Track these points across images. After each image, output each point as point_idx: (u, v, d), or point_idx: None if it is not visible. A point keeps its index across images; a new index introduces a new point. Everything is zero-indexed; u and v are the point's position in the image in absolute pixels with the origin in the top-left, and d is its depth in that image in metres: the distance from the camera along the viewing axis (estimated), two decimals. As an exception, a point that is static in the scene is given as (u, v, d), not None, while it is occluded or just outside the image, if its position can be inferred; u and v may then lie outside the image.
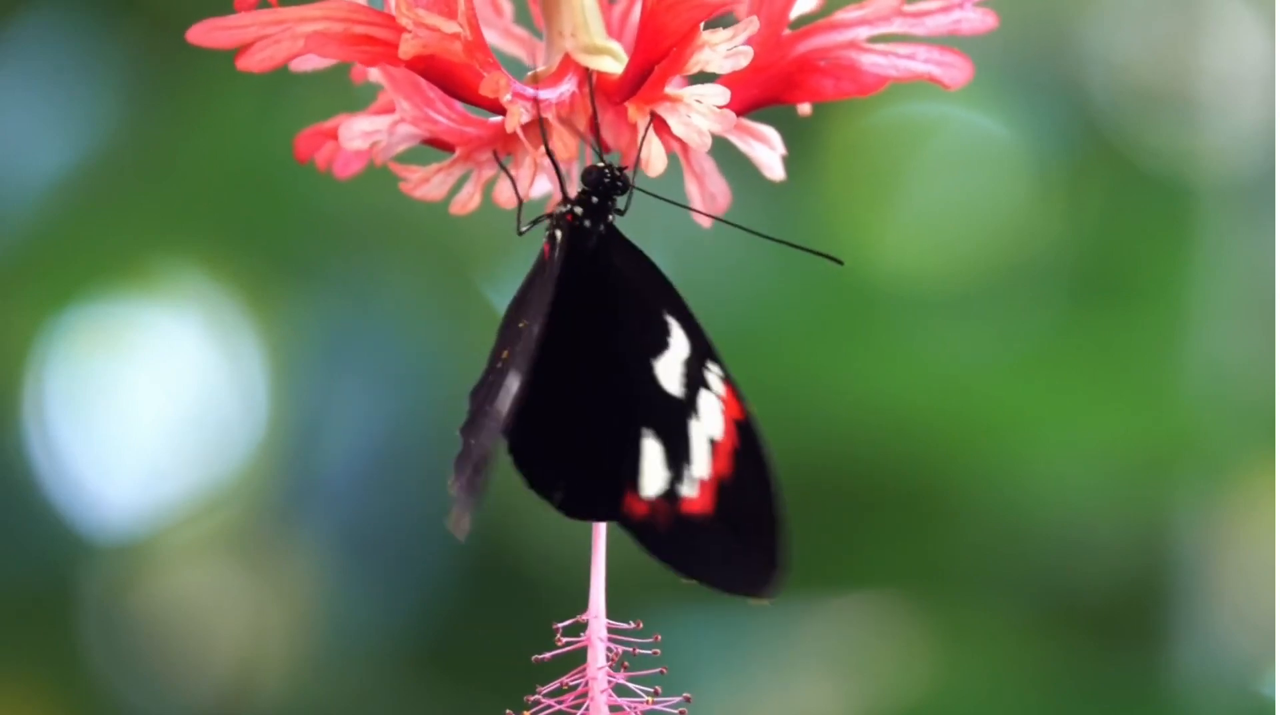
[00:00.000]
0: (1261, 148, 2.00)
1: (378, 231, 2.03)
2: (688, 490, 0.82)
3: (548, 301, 0.81)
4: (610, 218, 0.84)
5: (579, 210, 0.84)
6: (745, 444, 0.83)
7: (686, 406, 0.83)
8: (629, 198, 0.85)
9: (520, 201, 0.85)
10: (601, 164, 0.85)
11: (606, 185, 0.84)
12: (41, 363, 2.04)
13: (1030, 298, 2.00)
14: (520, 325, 0.82)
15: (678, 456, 0.83)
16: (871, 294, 2.01)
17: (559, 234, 0.84)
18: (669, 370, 0.84)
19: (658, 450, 0.83)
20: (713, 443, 0.83)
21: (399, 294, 2.05)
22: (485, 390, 0.81)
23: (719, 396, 0.83)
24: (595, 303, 0.83)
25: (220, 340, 2.06)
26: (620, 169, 0.84)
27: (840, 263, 0.86)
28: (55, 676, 2.02)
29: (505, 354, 0.82)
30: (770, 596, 0.83)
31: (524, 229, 0.86)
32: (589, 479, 0.83)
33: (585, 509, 0.83)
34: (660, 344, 0.84)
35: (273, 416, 2.05)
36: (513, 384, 0.79)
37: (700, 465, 0.83)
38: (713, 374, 0.83)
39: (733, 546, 0.83)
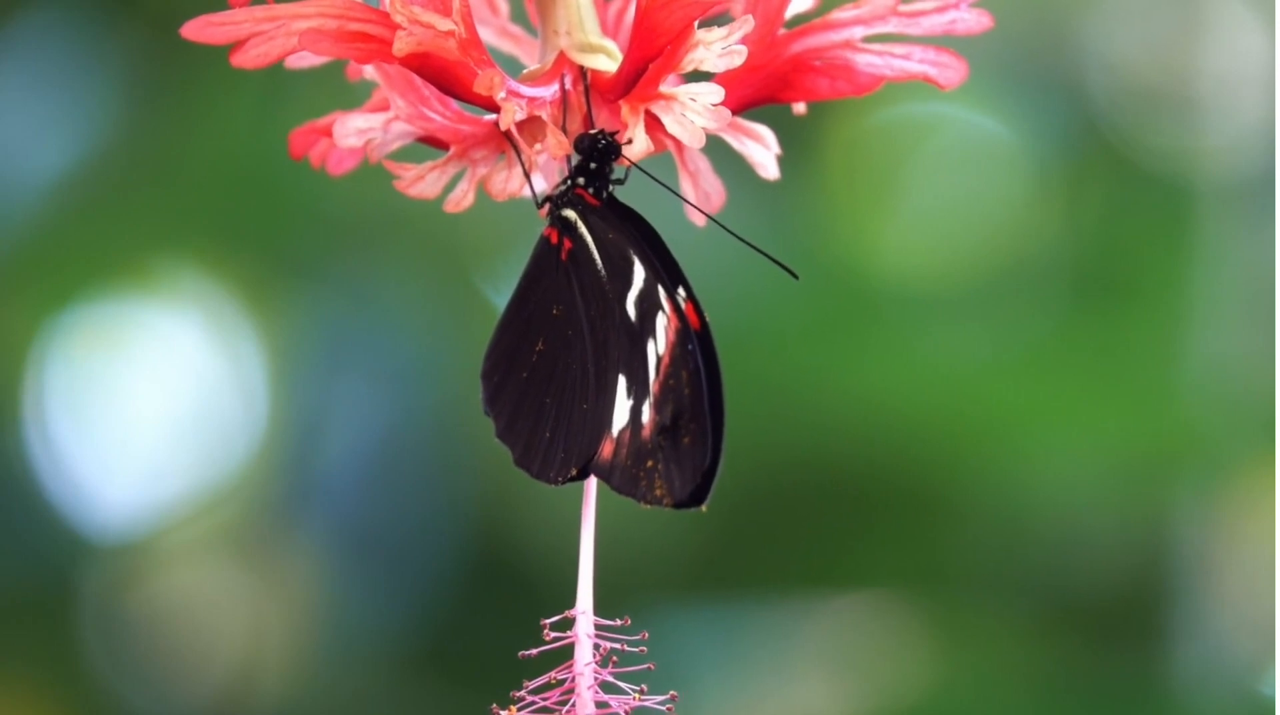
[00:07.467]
0: (1261, 148, 2.00)
1: (377, 231, 2.03)
2: (645, 415, 0.83)
3: (601, 286, 0.83)
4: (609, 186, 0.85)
5: (581, 180, 0.85)
6: (680, 347, 0.83)
7: (644, 334, 0.84)
8: (627, 170, 0.85)
9: (533, 185, 0.86)
10: (592, 131, 0.85)
11: (601, 150, 0.84)
12: (41, 363, 2.04)
13: (1030, 297, 2.00)
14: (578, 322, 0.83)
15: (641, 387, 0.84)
16: (871, 294, 2.01)
17: (571, 214, 0.84)
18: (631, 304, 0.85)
19: (624, 386, 0.84)
20: (659, 358, 0.83)
21: (399, 294, 2.05)
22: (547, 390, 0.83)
23: (666, 314, 0.84)
24: (614, 266, 0.85)
25: (220, 340, 2.06)
26: (611, 133, 0.85)
27: (796, 277, 0.86)
28: (55, 676, 2.02)
29: (540, 346, 0.83)
30: (705, 499, 0.83)
31: (542, 204, 0.86)
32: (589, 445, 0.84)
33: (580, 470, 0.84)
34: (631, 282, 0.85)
35: (272, 416, 2.05)
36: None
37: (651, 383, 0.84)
38: (662, 294, 0.84)
39: (672, 456, 0.83)
